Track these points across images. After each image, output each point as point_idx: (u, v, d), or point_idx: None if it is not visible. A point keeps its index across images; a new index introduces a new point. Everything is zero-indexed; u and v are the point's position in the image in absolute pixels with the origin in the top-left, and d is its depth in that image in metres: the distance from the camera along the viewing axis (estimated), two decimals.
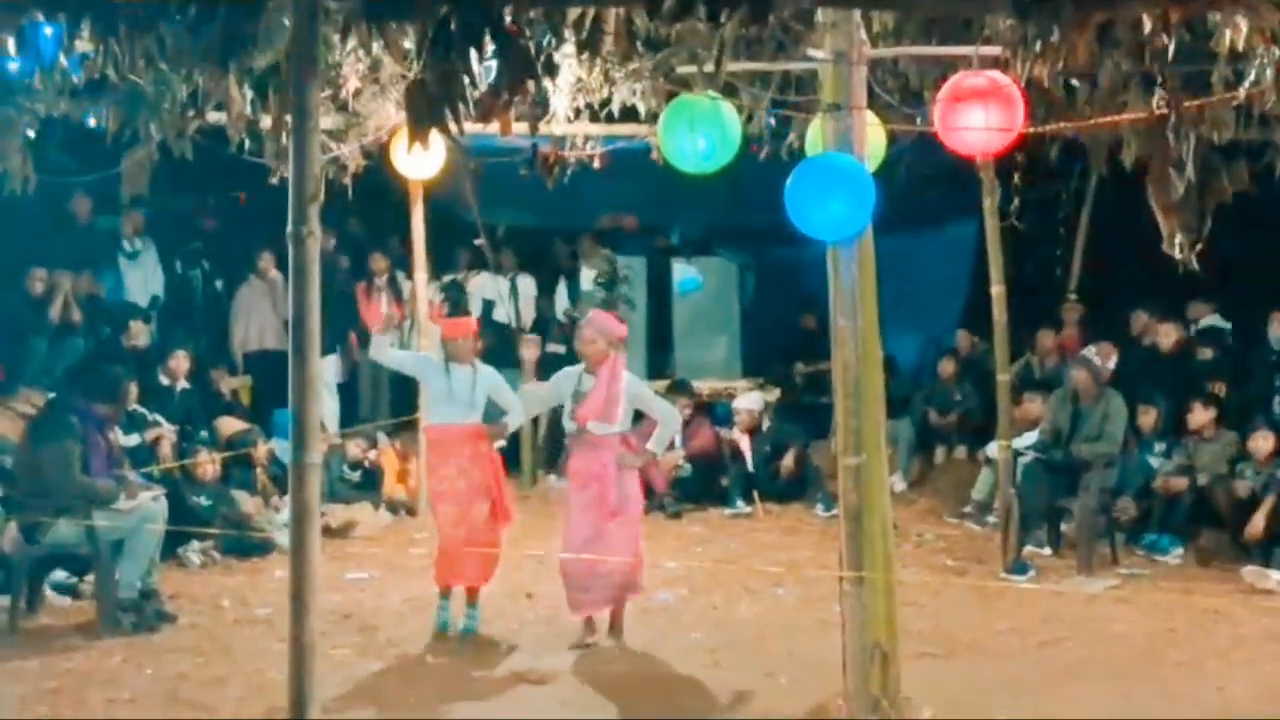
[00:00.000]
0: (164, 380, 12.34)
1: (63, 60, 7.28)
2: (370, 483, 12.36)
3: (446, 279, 13.15)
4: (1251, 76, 6.87)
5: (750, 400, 13.31)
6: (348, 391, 14.00)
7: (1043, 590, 9.67)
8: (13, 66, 8.07)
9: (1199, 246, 7.47)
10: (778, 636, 8.62)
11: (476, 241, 13.77)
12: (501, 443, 8.92)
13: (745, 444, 13.05)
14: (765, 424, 13.26)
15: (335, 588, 9.61)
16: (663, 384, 13.12)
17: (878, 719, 6.69)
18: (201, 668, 7.97)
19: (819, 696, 7.03)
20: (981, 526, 11.67)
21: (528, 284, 14.84)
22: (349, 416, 13.14)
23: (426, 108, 5.62)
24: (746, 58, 7.84)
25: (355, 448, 12.47)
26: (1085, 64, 7.01)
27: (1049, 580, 10.04)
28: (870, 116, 7.25)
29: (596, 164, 10.31)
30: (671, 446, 12.39)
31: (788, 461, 12.95)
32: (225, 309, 14.54)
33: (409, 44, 6.24)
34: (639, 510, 8.44)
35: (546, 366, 14.01)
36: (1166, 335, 12.38)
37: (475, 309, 13.82)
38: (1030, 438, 11.04)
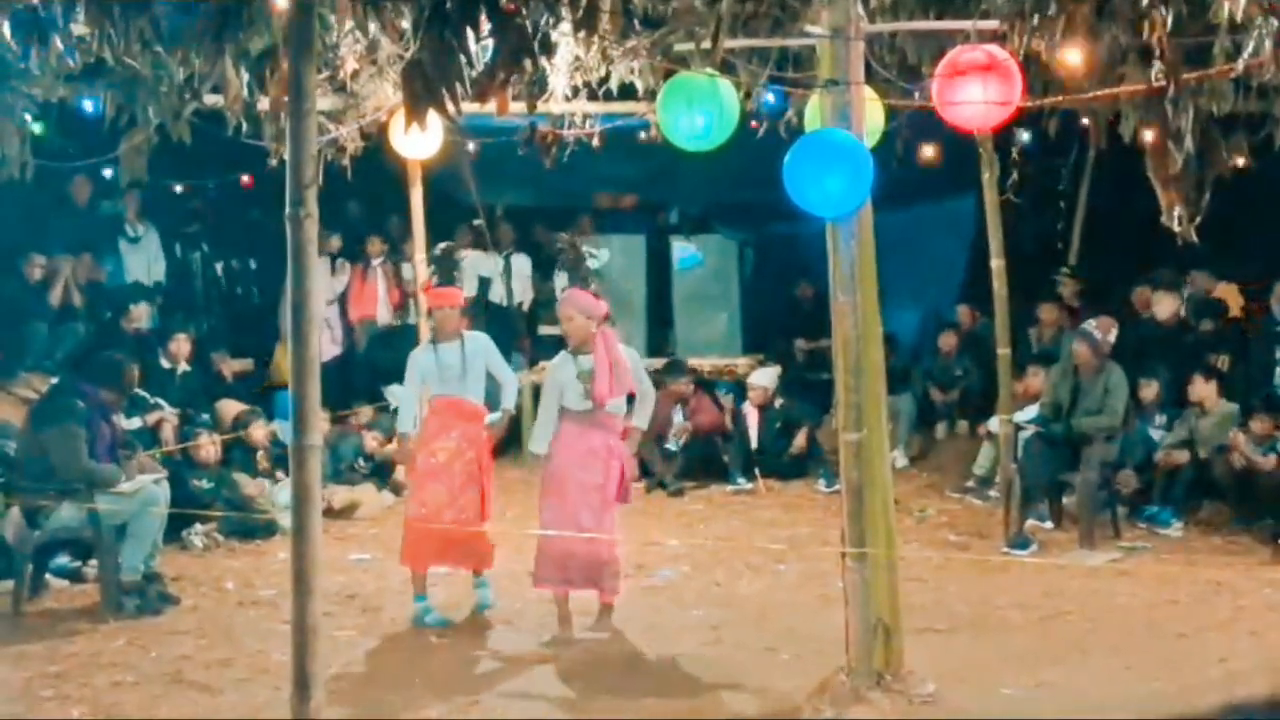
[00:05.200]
0: (165, 363, 12.36)
1: (58, 44, 7.27)
2: (381, 474, 12.34)
3: (438, 249, 13.19)
4: (1250, 48, 6.84)
5: (764, 376, 13.32)
6: (343, 372, 14.00)
7: (1045, 564, 9.68)
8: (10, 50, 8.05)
9: (1197, 219, 7.47)
10: (780, 613, 8.64)
11: (475, 222, 13.78)
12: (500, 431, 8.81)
13: (754, 419, 13.06)
14: (778, 401, 13.26)
15: (339, 569, 9.63)
16: (660, 362, 13.11)
17: (881, 694, 6.72)
18: (205, 650, 7.98)
19: (822, 672, 7.02)
20: (983, 501, 11.67)
21: (522, 262, 14.85)
22: (346, 397, 13.13)
23: (424, 88, 5.62)
24: (744, 34, 7.82)
25: (372, 440, 12.47)
26: (1083, 37, 7.01)
27: (1051, 554, 10.05)
28: (868, 92, 7.24)
29: (595, 143, 10.28)
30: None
31: (800, 441, 12.96)
32: (225, 291, 14.58)
33: (406, 24, 6.24)
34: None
35: (544, 347, 14.10)
36: (1160, 305, 12.37)
37: (470, 286, 13.81)
38: (1031, 412, 11.04)
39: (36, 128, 9.68)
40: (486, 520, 8.56)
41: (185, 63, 7.58)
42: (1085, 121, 10.45)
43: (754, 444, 13.03)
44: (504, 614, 8.62)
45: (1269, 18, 6.50)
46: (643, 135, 10.33)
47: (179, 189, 14.43)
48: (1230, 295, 12.80)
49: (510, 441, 13.74)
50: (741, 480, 12.69)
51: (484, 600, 8.66)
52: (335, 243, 13.88)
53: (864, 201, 6.61)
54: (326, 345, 13.39)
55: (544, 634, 8.16)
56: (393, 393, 12.84)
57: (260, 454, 11.55)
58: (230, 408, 12.08)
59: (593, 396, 8.03)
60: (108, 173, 13.18)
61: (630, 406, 8.42)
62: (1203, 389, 11.10)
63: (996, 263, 10.07)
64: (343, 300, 14.28)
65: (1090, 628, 8.23)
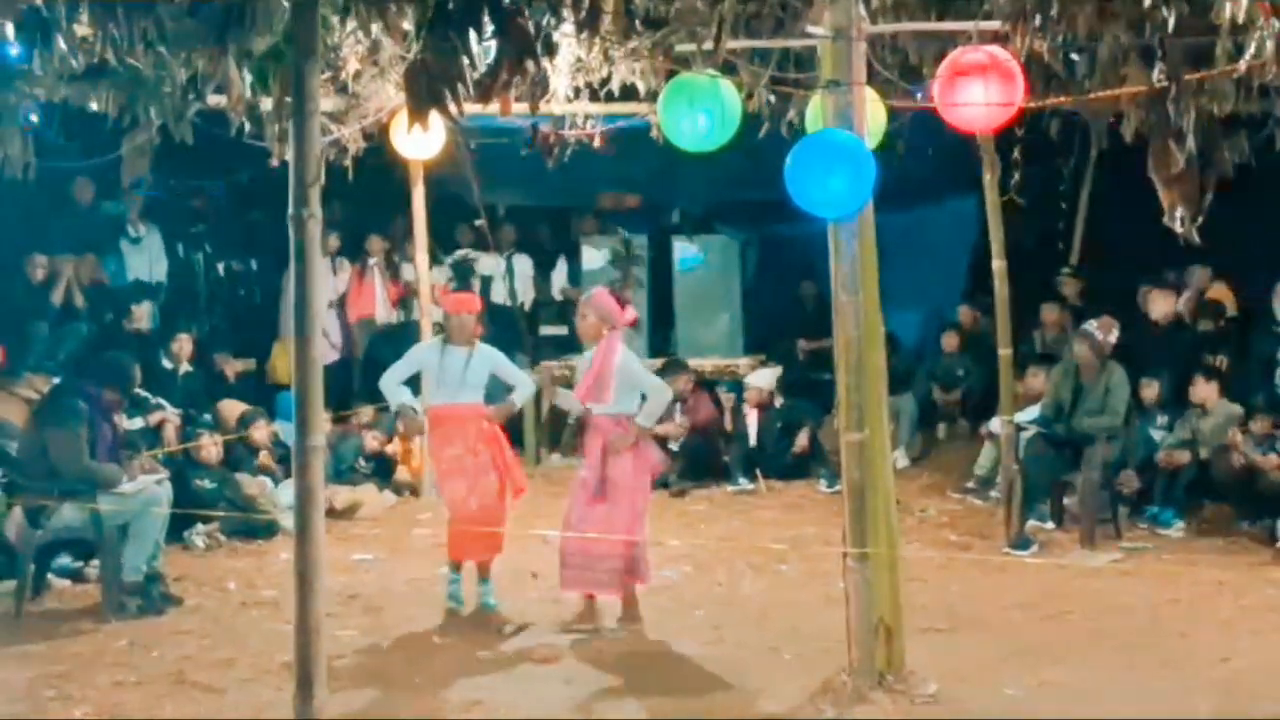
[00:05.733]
0: (167, 364, 12.36)
1: (61, 44, 7.27)
2: (383, 473, 12.35)
3: (457, 255, 13.13)
4: (1252, 48, 6.85)
5: (762, 377, 13.31)
6: (344, 372, 14.00)
7: (1046, 564, 9.69)
8: (13, 51, 8.06)
9: (1199, 219, 7.47)
10: (782, 613, 8.64)
11: (477, 223, 13.78)
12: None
13: (753, 420, 13.05)
14: (778, 401, 13.25)
15: (341, 569, 9.63)
16: (658, 362, 13.10)
17: (883, 694, 6.73)
18: (208, 650, 7.99)
19: (824, 672, 7.03)
20: (984, 501, 11.67)
21: (524, 263, 14.88)
22: (347, 398, 13.14)
23: (426, 89, 5.63)
24: (745, 35, 7.83)
25: (373, 440, 12.48)
26: (1085, 37, 7.01)
27: (1052, 554, 10.06)
28: (870, 93, 7.25)
29: (597, 143, 10.29)
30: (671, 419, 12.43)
31: (801, 441, 12.95)
32: (227, 292, 14.58)
33: (408, 25, 6.24)
34: (634, 496, 8.31)
35: (544, 348, 14.13)
36: (1156, 305, 12.37)
37: (475, 286, 13.85)
38: (1032, 412, 11.04)
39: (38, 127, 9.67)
40: (522, 493, 8.92)
41: (188, 63, 7.59)
42: (1087, 122, 10.44)
43: (752, 444, 13.01)
44: (505, 614, 8.62)
45: (1270, 19, 6.50)
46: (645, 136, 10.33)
47: (181, 189, 14.42)
48: (1224, 296, 12.80)
49: (514, 444, 13.81)
50: (743, 481, 12.68)
51: (487, 600, 8.72)
52: (334, 242, 13.89)
53: (866, 202, 6.61)
54: (325, 352, 13.39)
55: (545, 633, 8.19)
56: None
57: (263, 454, 11.55)
58: (233, 408, 12.08)
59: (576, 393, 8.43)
60: (110, 173, 13.18)
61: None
62: (1204, 389, 11.10)
63: (998, 264, 10.08)
64: (341, 303, 14.28)
65: (1092, 628, 8.23)
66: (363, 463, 12.32)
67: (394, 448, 12.51)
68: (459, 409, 8.67)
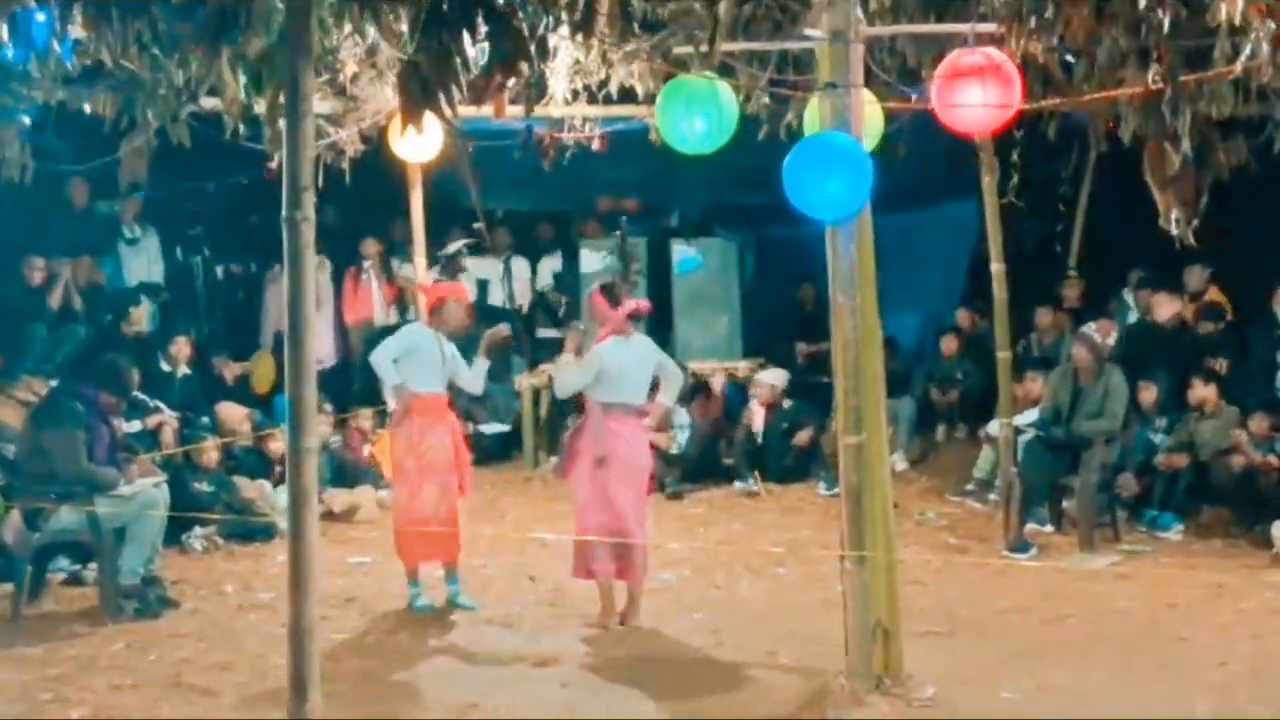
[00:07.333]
0: (165, 366, 12.34)
1: (56, 47, 7.27)
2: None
3: (446, 252, 13.15)
4: (1249, 50, 6.84)
5: (772, 375, 13.29)
6: (341, 378, 13.98)
7: (1045, 568, 9.67)
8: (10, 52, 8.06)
9: (1195, 222, 7.46)
10: (780, 616, 8.63)
11: (475, 226, 13.76)
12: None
13: (760, 417, 13.01)
14: (786, 402, 13.21)
15: (339, 572, 9.64)
16: None
17: (881, 697, 6.73)
18: (205, 653, 7.99)
19: (822, 675, 7.04)
20: (983, 505, 11.65)
21: (521, 266, 14.90)
22: (346, 400, 13.13)
23: (420, 91, 5.62)
24: (743, 37, 7.83)
25: (357, 434, 12.44)
26: (1082, 39, 7.01)
27: (1051, 558, 10.04)
28: (868, 95, 7.25)
29: (595, 146, 10.27)
30: (666, 428, 12.43)
31: (802, 438, 12.92)
32: (226, 294, 14.56)
33: (404, 27, 6.23)
34: (578, 492, 8.46)
35: (540, 351, 14.10)
36: (1160, 306, 12.37)
37: (470, 289, 13.83)
38: (1031, 415, 11.03)
39: (34, 130, 9.66)
40: (465, 496, 8.93)
41: (183, 65, 7.58)
42: (1085, 124, 10.44)
43: (759, 442, 12.97)
44: (504, 615, 8.62)
45: (1266, 19, 6.49)
46: (643, 138, 10.32)
47: (179, 192, 14.40)
48: (1219, 298, 12.78)
49: (511, 447, 13.81)
50: (749, 481, 12.63)
51: (462, 600, 8.80)
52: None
53: (864, 205, 6.61)
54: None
55: (542, 636, 8.19)
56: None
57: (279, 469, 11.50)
58: (232, 411, 12.07)
59: None
60: (108, 175, 13.16)
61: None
62: (1202, 392, 11.08)
63: (996, 267, 10.07)
64: (337, 307, 14.27)
65: (1090, 631, 8.22)
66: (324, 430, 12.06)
67: (372, 453, 12.35)
68: (443, 399, 8.87)
